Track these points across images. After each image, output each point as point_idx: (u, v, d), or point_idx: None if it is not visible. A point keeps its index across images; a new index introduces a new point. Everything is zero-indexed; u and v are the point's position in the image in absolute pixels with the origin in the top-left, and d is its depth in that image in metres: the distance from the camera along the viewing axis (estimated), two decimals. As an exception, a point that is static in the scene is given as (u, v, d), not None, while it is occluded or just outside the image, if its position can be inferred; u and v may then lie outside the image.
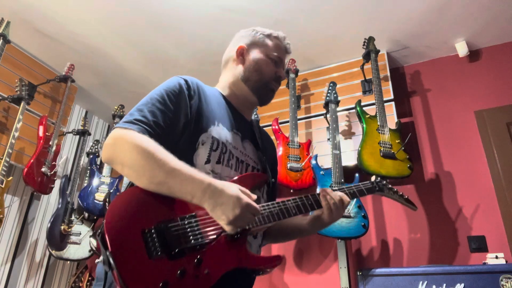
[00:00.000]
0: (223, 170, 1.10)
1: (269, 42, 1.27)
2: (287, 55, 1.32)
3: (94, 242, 2.82)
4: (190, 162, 1.03)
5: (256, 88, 1.24)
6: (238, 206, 0.89)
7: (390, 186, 1.36)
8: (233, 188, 0.92)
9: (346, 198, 1.17)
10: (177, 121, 1.05)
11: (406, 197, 1.39)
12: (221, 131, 1.13)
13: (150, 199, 0.92)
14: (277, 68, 1.25)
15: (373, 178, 1.35)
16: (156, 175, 0.90)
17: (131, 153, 0.92)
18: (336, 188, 1.20)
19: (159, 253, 0.86)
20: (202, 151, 1.07)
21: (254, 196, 0.95)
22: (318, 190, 1.19)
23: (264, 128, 3.05)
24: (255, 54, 1.25)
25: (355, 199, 2.20)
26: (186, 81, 1.14)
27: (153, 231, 0.88)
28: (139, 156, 0.91)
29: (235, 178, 1.09)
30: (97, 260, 0.90)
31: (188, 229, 0.92)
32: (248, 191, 0.95)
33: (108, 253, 0.81)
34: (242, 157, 1.19)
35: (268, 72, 1.23)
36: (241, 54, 1.26)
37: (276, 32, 1.30)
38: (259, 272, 1.02)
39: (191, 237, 0.91)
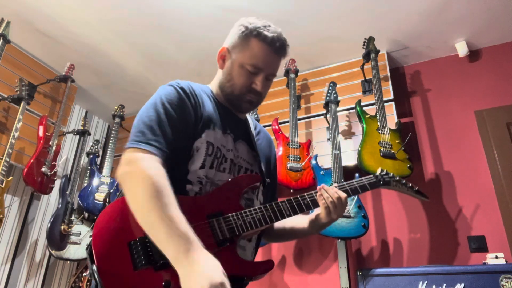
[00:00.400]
0: (216, 175, 1.08)
1: (249, 46, 1.12)
2: (278, 56, 1.15)
3: (94, 242, 2.81)
4: (185, 168, 1.03)
5: (229, 99, 1.18)
6: (210, 284, 0.77)
7: (397, 178, 1.26)
8: (210, 266, 0.80)
9: (343, 195, 1.10)
10: (185, 134, 1.04)
11: (416, 188, 1.28)
12: (216, 135, 1.11)
13: None
14: (254, 78, 1.12)
15: (378, 171, 1.24)
16: (149, 217, 0.85)
17: (137, 185, 0.88)
18: (337, 185, 1.14)
19: (144, 264, 0.85)
20: (197, 157, 1.05)
21: None
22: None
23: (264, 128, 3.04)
24: (230, 62, 1.15)
25: (355, 198, 2.20)
26: (183, 89, 1.10)
27: (138, 243, 0.87)
28: (143, 191, 0.87)
29: (227, 182, 1.08)
30: (84, 274, 0.92)
31: None
32: (225, 279, 0.82)
33: (94, 267, 0.82)
34: (235, 159, 1.16)
35: (240, 85, 1.13)
36: (222, 58, 1.18)
37: (264, 31, 1.11)
38: (250, 279, 1.00)
39: None
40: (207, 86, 1.25)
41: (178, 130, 1.02)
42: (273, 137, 2.71)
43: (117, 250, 0.85)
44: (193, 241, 0.82)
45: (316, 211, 1.16)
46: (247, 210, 1.03)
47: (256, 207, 1.04)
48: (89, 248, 0.86)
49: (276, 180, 1.40)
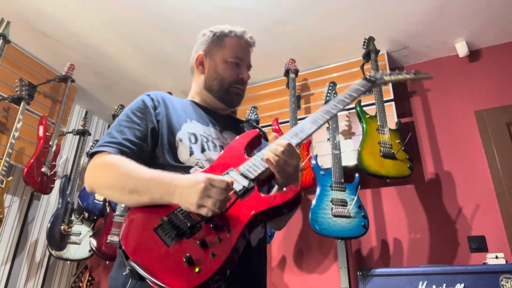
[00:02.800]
0: (211, 155, 1.13)
1: (225, 44, 1.24)
2: (251, 48, 1.28)
3: (94, 242, 2.81)
4: (178, 161, 1.09)
5: (220, 96, 1.24)
6: (199, 184, 0.87)
7: (389, 72, 1.25)
8: (193, 175, 0.93)
9: (284, 143, 1.00)
10: (147, 131, 1.10)
11: (413, 71, 1.24)
12: (195, 125, 1.17)
13: (148, 206, 0.97)
14: (239, 69, 1.23)
15: (367, 74, 1.24)
16: (126, 185, 0.95)
17: (102, 173, 1.00)
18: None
19: (175, 238, 0.88)
20: (182, 147, 1.11)
21: (228, 179, 0.90)
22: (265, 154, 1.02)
23: (264, 128, 3.05)
24: (212, 62, 1.24)
25: (355, 198, 2.20)
26: (148, 95, 1.19)
27: (162, 224, 0.91)
28: (109, 172, 0.99)
29: (227, 146, 1.13)
30: (124, 273, 0.91)
31: None
32: (218, 176, 0.91)
33: (131, 262, 0.84)
34: (224, 146, 1.19)
35: (229, 77, 1.22)
36: (201, 64, 1.27)
37: (231, 29, 1.25)
38: (283, 210, 0.96)
39: None
40: (186, 98, 1.32)
41: (139, 128, 1.09)
42: (273, 137, 2.71)
43: (147, 239, 0.89)
44: (167, 176, 0.94)
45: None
46: (253, 156, 1.05)
47: (262, 150, 1.05)
48: (120, 249, 0.90)
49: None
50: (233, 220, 0.90)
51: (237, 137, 1.18)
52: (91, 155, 1.07)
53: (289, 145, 1.00)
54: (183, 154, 1.10)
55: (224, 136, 1.23)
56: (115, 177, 0.98)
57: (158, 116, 1.14)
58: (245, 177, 0.99)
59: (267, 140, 1.31)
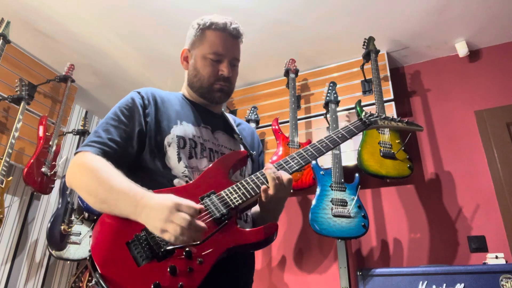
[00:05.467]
0: (199, 162, 1.10)
1: (206, 38, 1.17)
2: (236, 40, 1.20)
3: (94, 242, 2.81)
4: (165, 166, 1.06)
5: (201, 93, 1.20)
6: (164, 208, 0.85)
7: (384, 115, 1.25)
8: (163, 196, 0.89)
9: (286, 177, 1.01)
10: (133, 132, 1.07)
11: (406, 120, 1.27)
12: (185, 128, 1.13)
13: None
14: (218, 66, 1.16)
15: (363, 115, 1.24)
16: (98, 194, 0.93)
17: (80, 175, 0.98)
18: (325, 138, 1.13)
19: (146, 258, 0.86)
20: (170, 152, 1.07)
21: (193, 203, 0.89)
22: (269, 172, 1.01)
23: (264, 128, 3.05)
24: (193, 59, 1.20)
25: (355, 198, 2.20)
26: (139, 93, 1.15)
27: (135, 240, 0.88)
28: (86, 176, 0.96)
29: (212, 164, 1.08)
30: (90, 284, 0.92)
31: None
32: (184, 199, 0.89)
33: (98, 275, 0.83)
34: (215, 147, 1.16)
35: (208, 75, 1.16)
36: (185, 59, 1.23)
37: (213, 21, 1.18)
38: (258, 246, 0.98)
39: None
40: (179, 92, 1.28)
41: (125, 128, 1.06)
42: (273, 137, 2.72)
43: (117, 253, 0.87)
44: (140, 192, 0.91)
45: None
46: (238, 183, 1.02)
47: (247, 178, 1.03)
48: (90, 259, 0.88)
49: (262, 155, 1.39)
50: (206, 251, 0.88)
51: (224, 155, 1.13)
52: (75, 154, 1.05)
53: (290, 181, 1.01)
54: (171, 160, 1.07)
55: (216, 137, 1.20)
56: (90, 183, 0.95)
57: (147, 117, 1.10)
58: (225, 204, 0.97)
59: (252, 161, 1.27)
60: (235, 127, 1.27)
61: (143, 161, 1.07)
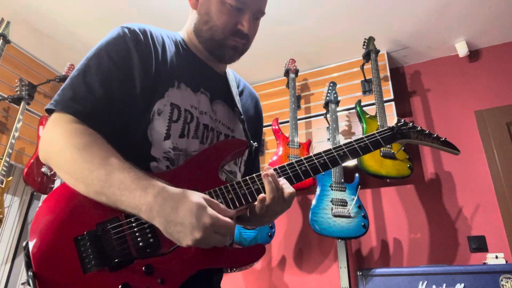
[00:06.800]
0: (189, 144, 0.87)
1: None
2: None
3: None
4: (145, 139, 0.82)
5: (209, 47, 0.94)
6: (199, 228, 0.65)
7: (419, 128, 1.01)
8: (190, 200, 0.68)
9: (290, 190, 0.81)
10: (128, 89, 0.82)
11: (443, 138, 1.03)
12: (183, 93, 0.88)
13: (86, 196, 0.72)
14: (238, 17, 0.90)
15: (394, 122, 1.03)
16: (91, 183, 0.71)
17: (63, 154, 0.74)
18: (344, 146, 0.93)
19: (95, 265, 0.68)
20: (158, 123, 0.83)
21: (229, 215, 0.71)
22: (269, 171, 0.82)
23: (264, 128, 3.04)
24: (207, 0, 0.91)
25: (355, 198, 2.20)
26: (132, 31, 0.85)
27: (87, 237, 0.69)
28: (70, 157, 0.73)
29: (202, 151, 0.86)
30: (21, 282, 0.77)
31: (136, 229, 0.72)
32: (214, 201, 0.72)
33: (30, 273, 0.65)
34: (212, 123, 0.93)
35: (223, 26, 0.90)
36: None
37: None
38: (238, 269, 0.85)
39: (139, 239, 0.71)
40: (178, 32, 1.01)
41: (114, 85, 0.80)
42: (273, 137, 2.72)
43: (61, 249, 0.68)
44: (150, 184, 0.70)
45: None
46: (228, 185, 0.80)
47: (240, 180, 0.82)
48: (26, 248, 0.68)
49: (260, 146, 1.14)
50: (171, 269, 0.70)
51: (220, 142, 0.92)
52: (48, 111, 0.79)
53: (292, 195, 0.80)
54: (155, 133, 0.82)
55: (214, 109, 0.95)
56: (77, 167, 0.72)
57: (144, 68, 0.83)
58: None
59: (251, 154, 1.03)
60: (237, 98, 1.02)
61: (123, 124, 0.83)
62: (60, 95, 0.79)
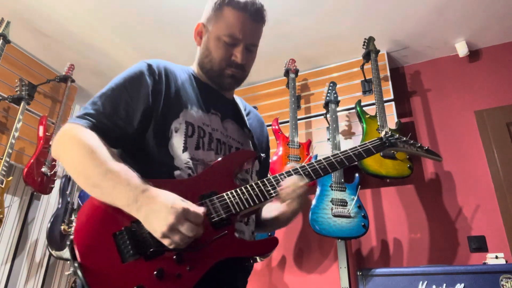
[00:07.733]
0: (206, 155, 1.00)
1: (223, 16, 1.04)
2: (255, 24, 1.08)
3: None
4: (167, 154, 0.96)
5: (210, 77, 1.11)
6: (172, 212, 0.77)
7: (404, 138, 1.18)
8: (169, 196, 0.81)
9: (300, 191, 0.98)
10: (136, 111, 0.96)
11: (427, 147, 1.23)
12: (195, 114, 1.02)
13: None
14: (232, 50, 1.05)
15: (383, 133, 1.18)
16: (91, 176, 0.84)
17: (71, 150, 0.88)
18: (340, 153, 1.06)
19: (132, 255, 0.79)
20: (176, 139, 0.97)
21: (200, 209, 0.82)
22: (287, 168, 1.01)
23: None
24: (207, 36, 1.08)
25: (355, 198, 2.20)
26: (150, 65, 1.05)
27: (124, 232, 0.81)
28: (78, 153, 0.86)
29: (218, 161, 0.99)
30: (67, 272, 0.88)
31: None
32: (189, 203, 0.83)
33: (76, 264, 0.76)
34: (223, 138, 1.07)
35: (219, 59, 1.05)
36: (199, 34, 1.12)
37: None
38: (255, 259, 0.97)
39: None
40: (190, 66, 1.18)
41: (127, 105, 0.96)
42: (273, 137, 2.71)
43: (101, 243, 0.80)
44: (142, 183, 0.83)
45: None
46: (242, 187, 0.95)
47: (253, 183, 0.96)
48: (70, 244, 0.80)
49: (269, 157, 1.31)
50: (198, 258, 0.82)
51: (233, 152, 1.07)
52: (67, 124, 0.94)
53: (304, 187, 0.98)
54: (175, 148, 0.96)
55: (225, 126, 1.10)
56: (83, 162, 0.85)
57: (157, 95, 0.99)
58: (226, 208, 0.90)
59: (259, 162, 1.18)
60: (246, 118, 1.19)
61: (145, 144, 0.97)
62: (82, 109, 0.94)
